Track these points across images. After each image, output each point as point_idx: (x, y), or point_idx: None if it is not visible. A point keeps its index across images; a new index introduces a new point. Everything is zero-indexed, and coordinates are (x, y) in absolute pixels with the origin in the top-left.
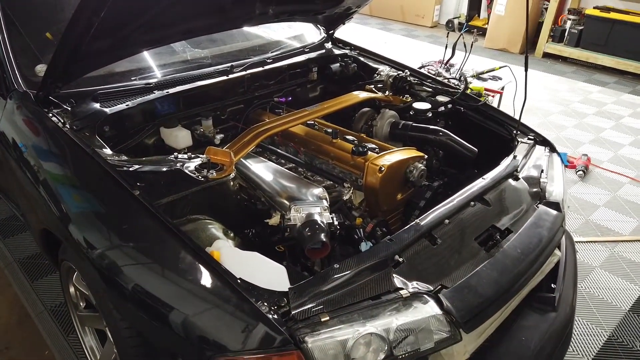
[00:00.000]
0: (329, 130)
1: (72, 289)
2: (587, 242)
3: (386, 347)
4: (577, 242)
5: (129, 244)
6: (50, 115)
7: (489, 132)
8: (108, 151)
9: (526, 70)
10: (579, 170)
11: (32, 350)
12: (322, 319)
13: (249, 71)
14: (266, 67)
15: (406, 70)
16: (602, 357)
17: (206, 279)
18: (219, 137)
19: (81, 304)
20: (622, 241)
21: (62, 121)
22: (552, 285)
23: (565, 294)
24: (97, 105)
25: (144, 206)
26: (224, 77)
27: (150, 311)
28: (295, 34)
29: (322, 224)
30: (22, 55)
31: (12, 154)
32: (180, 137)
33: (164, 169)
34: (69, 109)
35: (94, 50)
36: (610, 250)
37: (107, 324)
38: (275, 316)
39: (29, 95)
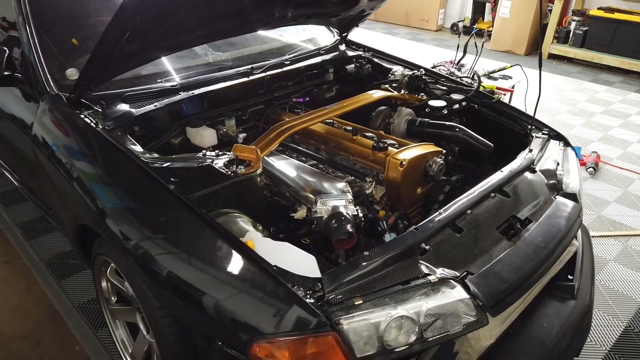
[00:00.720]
0: (349, 127)
1: (104, 284)
2: (600, 236)
3: (417, 330)
4: (591, 236)
5: (167, 235)
6: (83, 116)
7: (503, 128)
8: (140, 149)
9: (540, 65)
10: (589, 167)
11: (63, 346)
12: (356, 303)
13: (268, 73)
14: (284, 69)
15: (421, 69)
16: (619, 346)
17: (243, 266)
18: (241, 136)
19: (113, 298)
20: (634, 235)
21: (94, 122)
22: (569, 277)
23: (584, 284)
24: (126, 107)
25: (180, 199)
26: (245, 79)
27: (188, 298)
28: (310, 37)
29: (347, 216)
30: (54, 59)
31: (47, 154)
32: (206, 136)
33: (196, 165)
34: (100, 110)
35: (126, 53)
36: (623, 244)
37: (145, 313)
38: (312, 300)
39: (61, 97)
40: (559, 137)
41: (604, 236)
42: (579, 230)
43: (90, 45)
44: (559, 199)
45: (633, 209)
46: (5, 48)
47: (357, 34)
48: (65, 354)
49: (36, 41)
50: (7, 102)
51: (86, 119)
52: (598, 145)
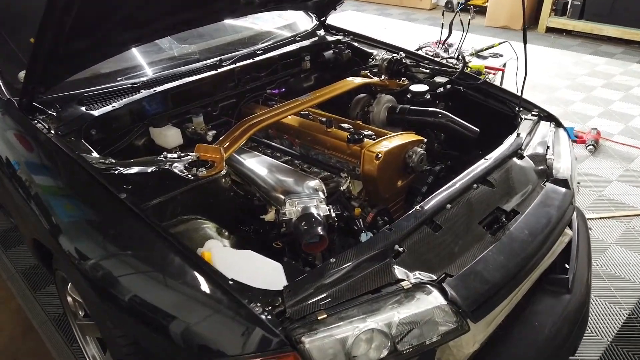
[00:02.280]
0: (324, 119)
1: (69, 298)
2: (600, 218)
3: (389, 343)
4: (590, 219)
5: (117, 251)
6: (35, 122)
7: (491, 110)
8: (95, 155)
9: (525, 40)
10: (589, 145)
11: None
12: (319, 317)
13: (238, 64)
14: (256, 59)
15: (401, 53)
16: (622, 336)
17: (196, 283)
18: (211, 133)
19: (80, 312)
20: (637, 215)
21: (47, 127)
22: (566, 265)
23: (580, 274)
24: (82, 109)
25: (131, 210)
26: (213, 72)
27: (142, 318)
28: (286, 23)
29: (318, 217)
30: (8, 62)
31: (1, 165)
32: (169, 136)
33: (152, 170)
34: (54, 114)
35: (73, 51)
36: (625, 225)
37: (102, 332)
38: (270, 317)
39: (12, 103)
40: (549, 117)
41: (605, 218)
42: (574, 216)
43: None
44: (549, 186)
45: (636, 187)
46: None
47: (347, 18)
48: None
49: None
50: None
51: (39, 124)
52: (598, 121)
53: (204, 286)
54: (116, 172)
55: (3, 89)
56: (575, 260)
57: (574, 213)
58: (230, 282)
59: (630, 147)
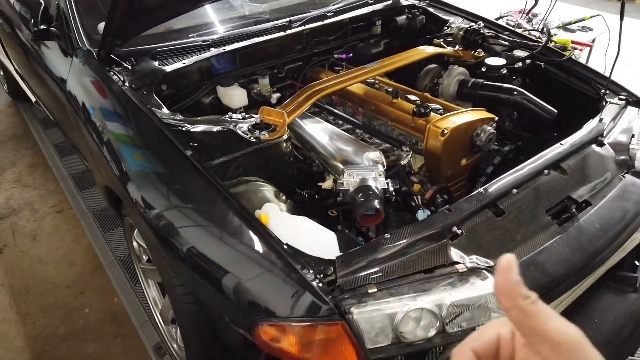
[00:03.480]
0: (390, 89)
1: (135, 243)
2: None
3: (438, 323)
4: None
5: (180, 203)
6: (112, 73)
7: (574, 91)
8: (165, 111)
9: (622, 14)
10: None
11: (104, 297)
12: (370, 291)
13: (307, 26)
14: (326, 22)
15: (479, 22)
16: None
17: (252, 243)
18: (275, 96)
19: (144, 257)
20: None
21: (122, 79)
22: (637, 263)
23: None
24: (155, 64)
25: (195, 167)
26: (282, 33)
27: (198, 269)
28: None
29: (376, 190)
30: (89, 14)
31: (78, 111)
32: (235, 96)
33: (217, 130)
34: (129, 67)
35: (148, 7)
36: None
37: (162, 278)
38: (320, 285)
39: (92, 53)
40: (639, 103)
41: None
42: None
43: None
44: (629, 178)
45: None
46: (41, 1)
47: None
48: (104, 305)
49: None
50: (50, 57)
51: (114, 77)
52: None
53: (259, 247)
54: (183, 129)
55: (84, 39)
56: None
57: None
58: (285, 247)
59: None
